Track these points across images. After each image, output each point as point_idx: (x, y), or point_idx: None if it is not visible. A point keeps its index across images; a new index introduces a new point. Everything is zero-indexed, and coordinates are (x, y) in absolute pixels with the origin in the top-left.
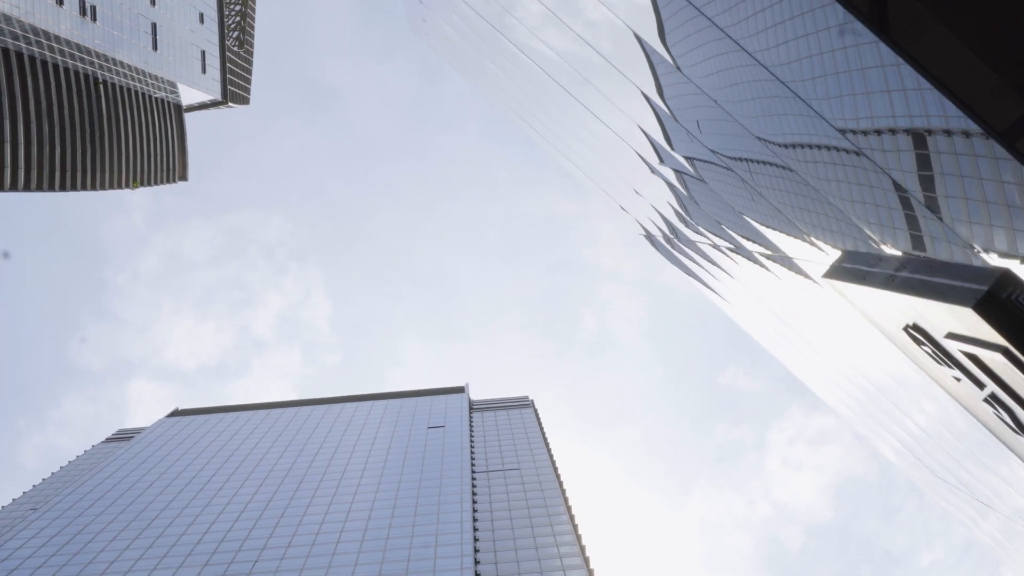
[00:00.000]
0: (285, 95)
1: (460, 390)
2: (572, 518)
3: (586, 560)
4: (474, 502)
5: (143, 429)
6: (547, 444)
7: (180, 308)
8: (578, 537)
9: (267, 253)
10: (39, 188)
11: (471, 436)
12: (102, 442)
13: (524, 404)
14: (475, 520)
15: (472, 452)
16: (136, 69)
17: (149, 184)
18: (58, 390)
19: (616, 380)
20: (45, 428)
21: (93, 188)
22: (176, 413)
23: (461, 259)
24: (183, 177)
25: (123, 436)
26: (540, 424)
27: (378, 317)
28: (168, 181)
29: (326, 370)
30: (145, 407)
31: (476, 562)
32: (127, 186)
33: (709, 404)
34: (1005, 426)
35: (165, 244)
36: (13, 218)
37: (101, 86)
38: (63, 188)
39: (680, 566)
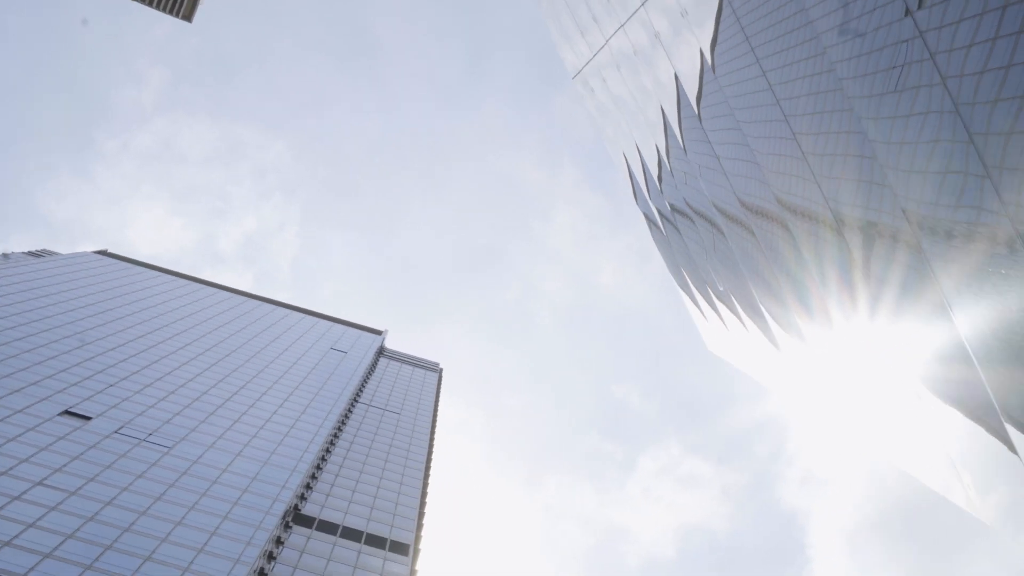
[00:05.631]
0: (329, 31)
1: (378, 332)
2: (427, 471)
3: (423, 502)
4: (342, 425)
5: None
6: (436, 407)
7: (156, 195)
8: (425, 484)
9: (258, 174)
10: None
11: (369, 373)
12: (21, 252)
13: (432, 368)
14: (334, 439)
15: (363, 387)
16: None
17: (149, 4)
18: (9, 226)
19: (521, 356)
20: None
21: None
22: (104, 253)
23: (440, 229)
24: (187, 17)
25: (41, 253)
26: (439, 389)
27: (340, 268)
28: (171, 12)
29: None
30: None
31: (317, 468)
32: None
33: (595, 410)
34: None
35: (166, 129)
36: (27, 52)
37: None
38: None
39: (512, 538)
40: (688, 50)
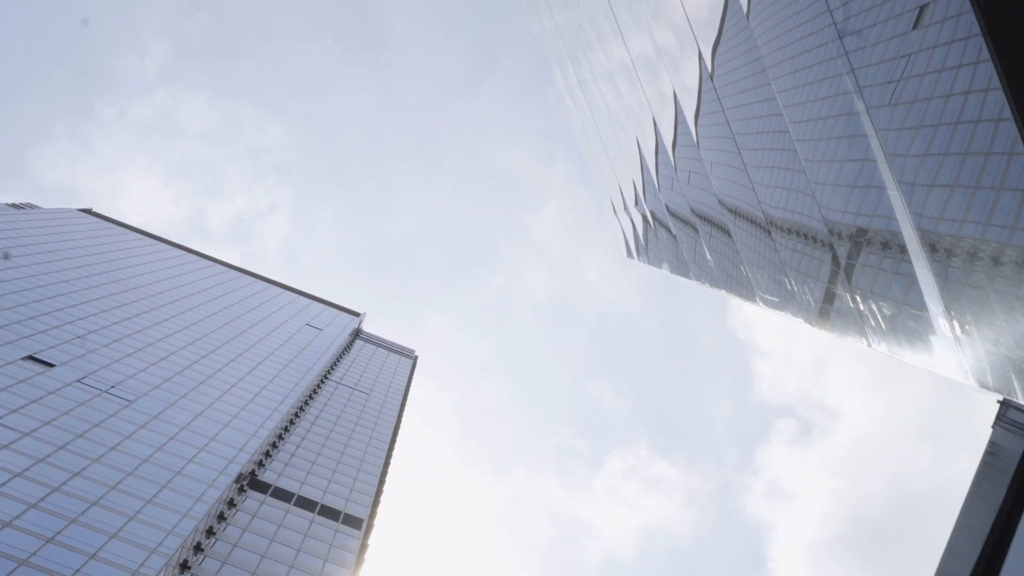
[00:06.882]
0: (335, 18)
1: (356, 314)
2: (391, 452)
3: (383, 480)
4: (309, 399)
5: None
6: (407, 391)
7: (150, 166)
8: (387, 463)
9: (254, 154)
10: None
11: (344, 353)
12: (4, 204)
13: (407, 354)
14: (300, 411)
15: (335, 366)
16: None
17: None
18: (2, 185)
19: (499, 347)
20: None
21: None
22: (89, 212)
23: (429, 219)
24: None
25: (24, 206)
26: (411, 375)
27: (328, 251)
28: None
29: None
30: None
31: (279, 437)
32: None
33: (568, 405)
34: None
35: (165, 102)
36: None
37: None
38: None
39: (475, 524)
40: (664, 78)
